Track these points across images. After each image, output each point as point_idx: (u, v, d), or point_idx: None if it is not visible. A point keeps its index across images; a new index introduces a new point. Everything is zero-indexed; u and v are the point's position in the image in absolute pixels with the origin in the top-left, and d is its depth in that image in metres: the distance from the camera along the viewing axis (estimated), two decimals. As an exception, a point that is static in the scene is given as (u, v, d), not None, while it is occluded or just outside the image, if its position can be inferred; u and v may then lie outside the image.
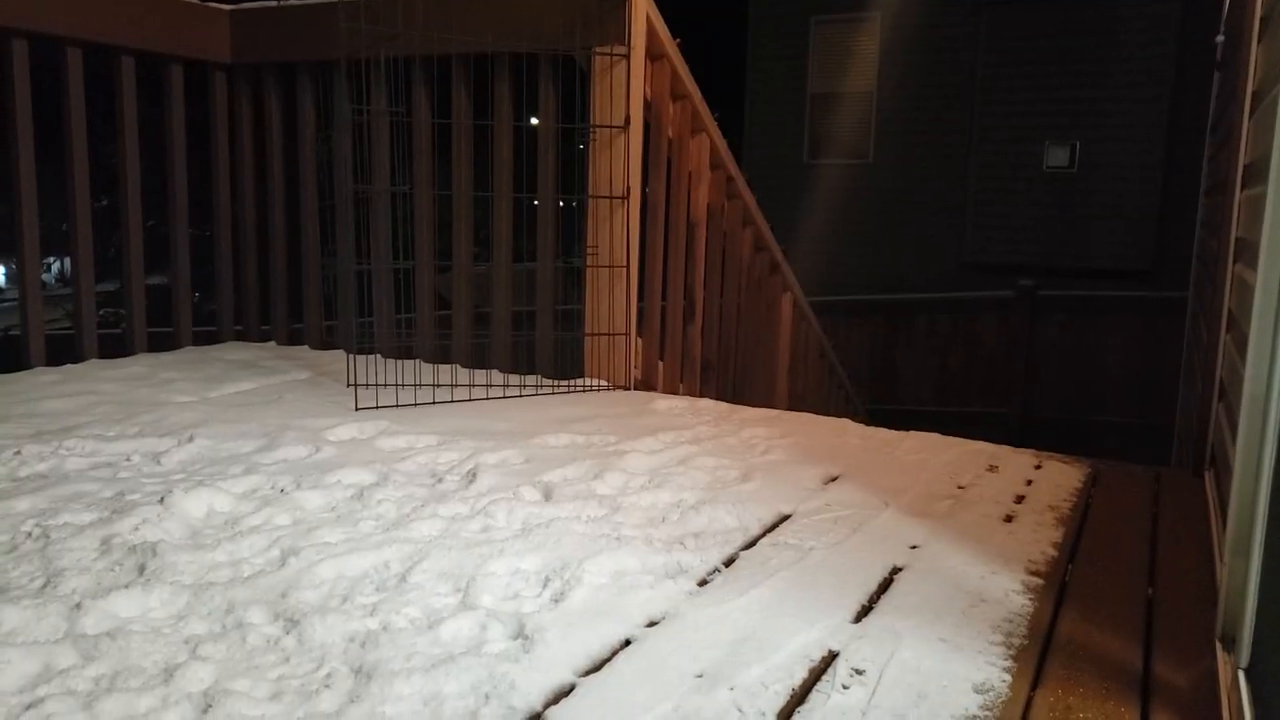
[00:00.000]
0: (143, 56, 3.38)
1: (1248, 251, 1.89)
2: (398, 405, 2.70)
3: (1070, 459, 2.43)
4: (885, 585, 1.58)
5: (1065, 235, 8.79)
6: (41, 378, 2.94)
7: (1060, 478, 2.24)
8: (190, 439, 2.25)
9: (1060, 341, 8.10)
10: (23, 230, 3.11)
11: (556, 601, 1.46)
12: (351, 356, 2.92)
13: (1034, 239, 8.94)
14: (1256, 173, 1.95)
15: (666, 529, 1.79)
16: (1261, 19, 2.35)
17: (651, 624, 1.41)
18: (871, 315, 8.62)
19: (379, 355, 3.18)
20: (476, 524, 1.78)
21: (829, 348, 5.13)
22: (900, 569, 1.64)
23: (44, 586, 1.44)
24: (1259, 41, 2.38)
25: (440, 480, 2.05)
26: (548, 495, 1.97)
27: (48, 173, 3.21)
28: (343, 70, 3.09)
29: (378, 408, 2.66)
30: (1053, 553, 1.75)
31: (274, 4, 3.57)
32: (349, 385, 2.81)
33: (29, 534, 1.65)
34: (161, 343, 3.53)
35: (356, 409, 2.63)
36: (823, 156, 10.10)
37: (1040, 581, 1.61)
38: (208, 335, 3.76)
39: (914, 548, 1.74)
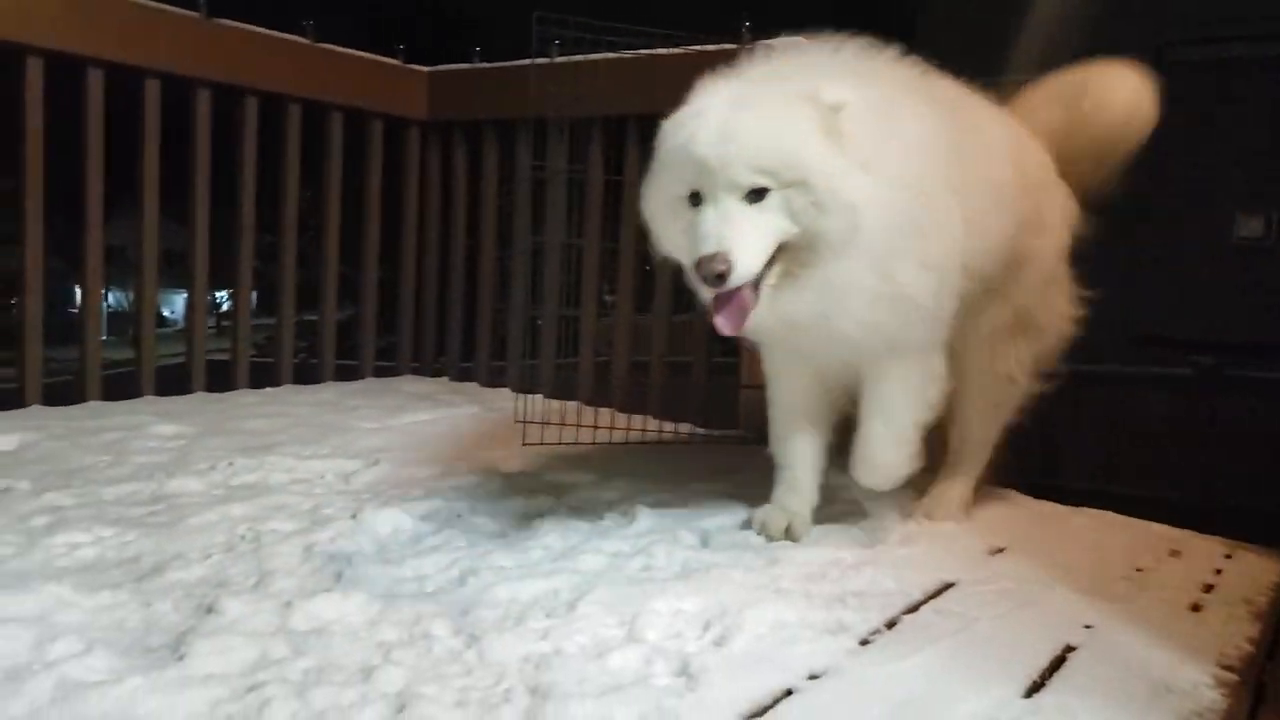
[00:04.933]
0: (349, 113, 3.71)
1: None
2: (560, 443, 2.81)
3: (1265, 550, 2.26)
4: (1057, 663, 1.52)
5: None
6: (244, 398, 3.23)
7: (1254, 570, 2.09)
8: (376, 462, 2.42)
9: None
10: (239, 268, 3.47)
11: (718, 645, 1.48)
12: (520, 396, 3.05)
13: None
14: None
15: (826, 586, 1.78)
16: None
17: (813, 677, 1.40)
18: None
19: (541, 396, 3.31)
20: (638, 562, 1.82)
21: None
22: (1073, 648, 1.58)
23: (257, 584, 1.60)
24: None
25: (601, 518, 2.12)
26: (705, 542, 2.00)
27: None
28: (530, 129, 3.30)
29: (542, 444, 2.77)
30: (1248, 648, 1.63)
31: (468, 65, 3.84)
32: (516, 421, 2.94)
33: (242, 537, 1.84)
34: (346, 374, 3.81)
35: (524, 444, 2.75)
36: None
37: (1234, 678, 1.51)
38: (386, 369, 4.02)
39: (1088, 628, 1.67)
